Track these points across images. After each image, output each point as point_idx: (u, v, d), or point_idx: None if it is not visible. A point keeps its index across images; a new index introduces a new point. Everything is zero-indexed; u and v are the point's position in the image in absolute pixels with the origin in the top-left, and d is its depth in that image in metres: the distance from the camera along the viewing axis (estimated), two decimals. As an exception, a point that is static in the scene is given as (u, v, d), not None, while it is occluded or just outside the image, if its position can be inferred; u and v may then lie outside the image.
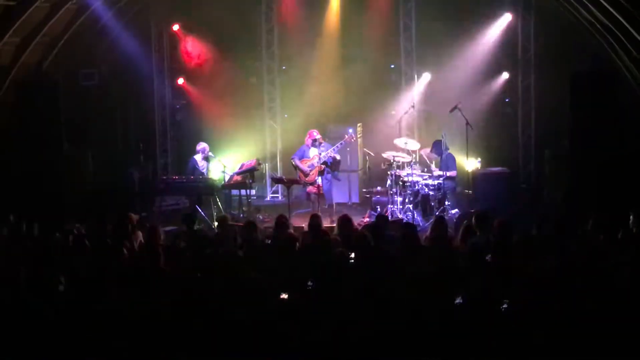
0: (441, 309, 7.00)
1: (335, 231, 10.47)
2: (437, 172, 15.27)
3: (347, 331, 6.73)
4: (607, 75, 14.62)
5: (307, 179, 14.98)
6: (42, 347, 6.78)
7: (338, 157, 15.18)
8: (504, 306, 7.12)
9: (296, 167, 15.13)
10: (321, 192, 14.87)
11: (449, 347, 6.60)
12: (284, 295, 7.41)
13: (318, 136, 15.03)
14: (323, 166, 14.82)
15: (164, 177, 17.13)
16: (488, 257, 8.72)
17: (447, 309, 7.06)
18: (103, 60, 17.72)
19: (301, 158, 15.11)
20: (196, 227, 11.91)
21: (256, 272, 8.02)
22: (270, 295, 7.40)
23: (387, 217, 13.59)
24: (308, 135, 15.12)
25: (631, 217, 9.96)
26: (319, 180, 14.84)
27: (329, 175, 14.97)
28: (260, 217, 15.55)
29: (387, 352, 6.61)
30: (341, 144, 15.01)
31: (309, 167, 14.93)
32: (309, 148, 15.10)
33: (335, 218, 14.04)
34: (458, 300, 7.21)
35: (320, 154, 14.78)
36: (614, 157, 14.00)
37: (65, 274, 8.15)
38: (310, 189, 15.08)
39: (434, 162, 15.71)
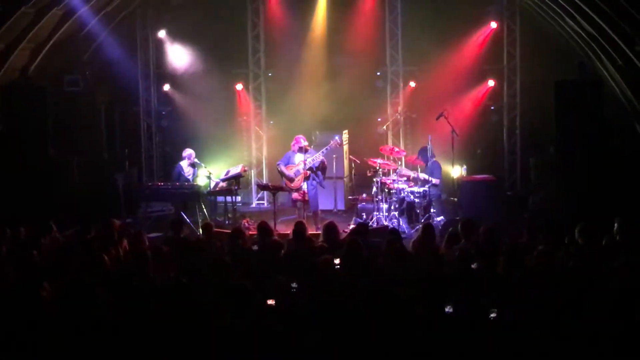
0: (428, 316, 6.99)
1: (321, 238, 10.46)
2: (423, 175, 15.28)
3: (333, 337, 6.73)
4: (592, 84, 14.70)
5: (292, 185, 14.88)
6: (24, 353, 6.75)
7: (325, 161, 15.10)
8: (492, 315, 7.12)
9: (282, 174, 15.06)
10: (306, 198, 14.81)
11: (437, 355, 6.60)
12: (271, 302, 7.39)
13: (305, 143, 14.96)
14: (309, 172, 14.75)
15: (149, 183, 17.10)
16: (474, 265, 8.75)
17: (434, 316, 7.07)
18: (88, 65, 17.65)
19: (287, 164, 15.03)
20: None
21: (242, 278, 8.01)
22: (256, 300, 7.38)
23: (368, 224, 13.59)
24: (295, 141, 15.05)
25: (615, 224, 10.00)
26: (305, 186, 14.78)
27: (314, 182, 14.91)
28: (246, 224, 15.51)
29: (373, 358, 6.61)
30: (327, 149, 14.96)
31: (294, 173, 14.86)
32: (295, 154, 15.03)
33: (320, 225, 14.03)
34: (448, 309, 7.22)
35: (305, 159, 14.70)
36: (599, 164, 14.07)
37: (50, 279, 8.11)
38: (295, 195, 14.99)
39: (419, 169, 15.75)
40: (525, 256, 9.01)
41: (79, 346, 6.75)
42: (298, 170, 14.79)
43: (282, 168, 14.97)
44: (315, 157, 14.74)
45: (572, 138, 14.31)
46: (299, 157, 14.88)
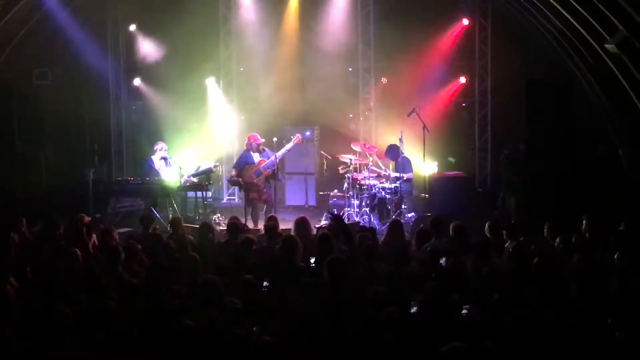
0: (399, 313, 6.99)
1: (292, 233, 10.42)
2: (393, 174, 15.29)
3: (304, 335, 6.71)
4: (563, 82, 14.76)
5: (256, 181, 14.71)
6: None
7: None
8: (464, 311, 7.14)
9: (235, 183, 14.95)
10: (263, 197, 14.71)
11: (409, 352, 6.60)
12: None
13: (262, 140, 14.89)
14: (270, 172, 14.65)
15: (119, 179, 16.96)
16: (442, 261, 8.78)
17: (402, 314, 7.07)
18: (57, 59, 17.47)
19: (245, 164, 14.85)
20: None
21: (212, 274, 7.98)
22: (226, 297, 7.35)
23: (343, 218, 13.56)
24: (252, 140, 14.91)
25: (584, 222, 10.08)
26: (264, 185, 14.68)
27: (271, 184, 14.81)
28: (217, 219, 15.43)
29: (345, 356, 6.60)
30: (290, 146, 14.92)
31: (255, 173, 14.69)
32: (254, 153, 14.87)
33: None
34: (414, 308, 7.23)
35: (264, 158, 14.61)
36: (569, 162, 14.14)
37: (17, 276, 8.03)
38: (253, 195, 14.84)
39: (390, 166, 15.76)
40: (494, 253, 9.07)
41: (44, 342, 6.68)
42: (259, 171, 14.67)
43: (235, 173, 14.86)
44: (278, 154, 14.66)
45: (542, 136, 14.34)
46: (257, 156, 14.78)
